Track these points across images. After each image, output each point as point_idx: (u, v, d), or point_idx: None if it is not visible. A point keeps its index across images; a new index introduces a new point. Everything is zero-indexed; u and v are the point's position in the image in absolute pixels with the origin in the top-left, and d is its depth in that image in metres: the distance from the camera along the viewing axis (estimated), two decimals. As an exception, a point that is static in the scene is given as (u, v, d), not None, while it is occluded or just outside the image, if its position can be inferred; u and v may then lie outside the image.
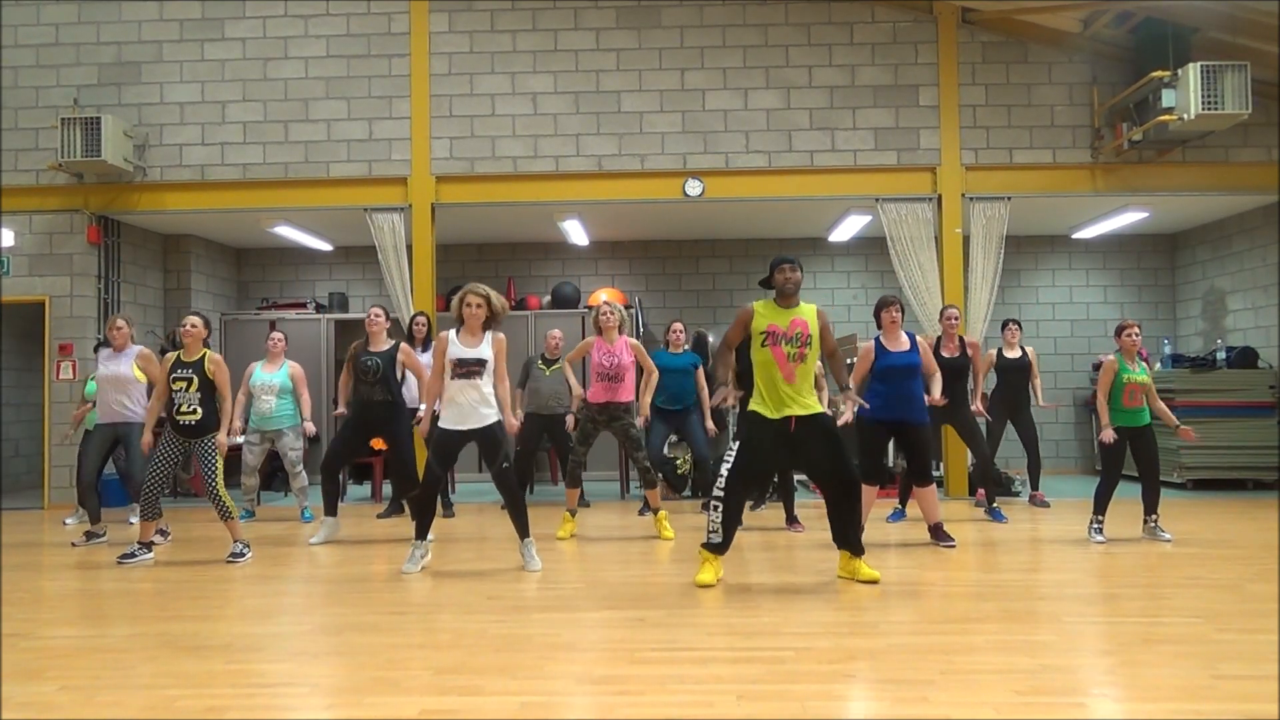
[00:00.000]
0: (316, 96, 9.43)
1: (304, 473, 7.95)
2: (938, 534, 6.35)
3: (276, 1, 9.47)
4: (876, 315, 6.43)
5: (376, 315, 6.89)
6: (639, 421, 7.19)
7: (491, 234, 11.26)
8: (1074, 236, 11.40)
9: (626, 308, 10.67)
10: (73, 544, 6.80)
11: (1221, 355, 9.72)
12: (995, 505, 7.61)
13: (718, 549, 5.11)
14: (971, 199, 9.24)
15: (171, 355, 6.12)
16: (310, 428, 7.74)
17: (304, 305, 11.20)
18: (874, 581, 5.09)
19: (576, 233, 10.80)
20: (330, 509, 6.72)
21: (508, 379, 5.72)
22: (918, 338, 6.45)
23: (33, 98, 9.49)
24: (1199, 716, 3.07)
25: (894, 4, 9.34)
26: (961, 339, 7.57)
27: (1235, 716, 3.07)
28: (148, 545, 6.09)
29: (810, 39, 9.37)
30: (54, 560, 6.23)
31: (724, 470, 5.07)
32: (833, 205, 9.71)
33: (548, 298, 11.21)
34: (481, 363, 5.47)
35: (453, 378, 5.48)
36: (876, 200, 9.27)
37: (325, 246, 11.47)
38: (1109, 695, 3.31)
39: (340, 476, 6.82)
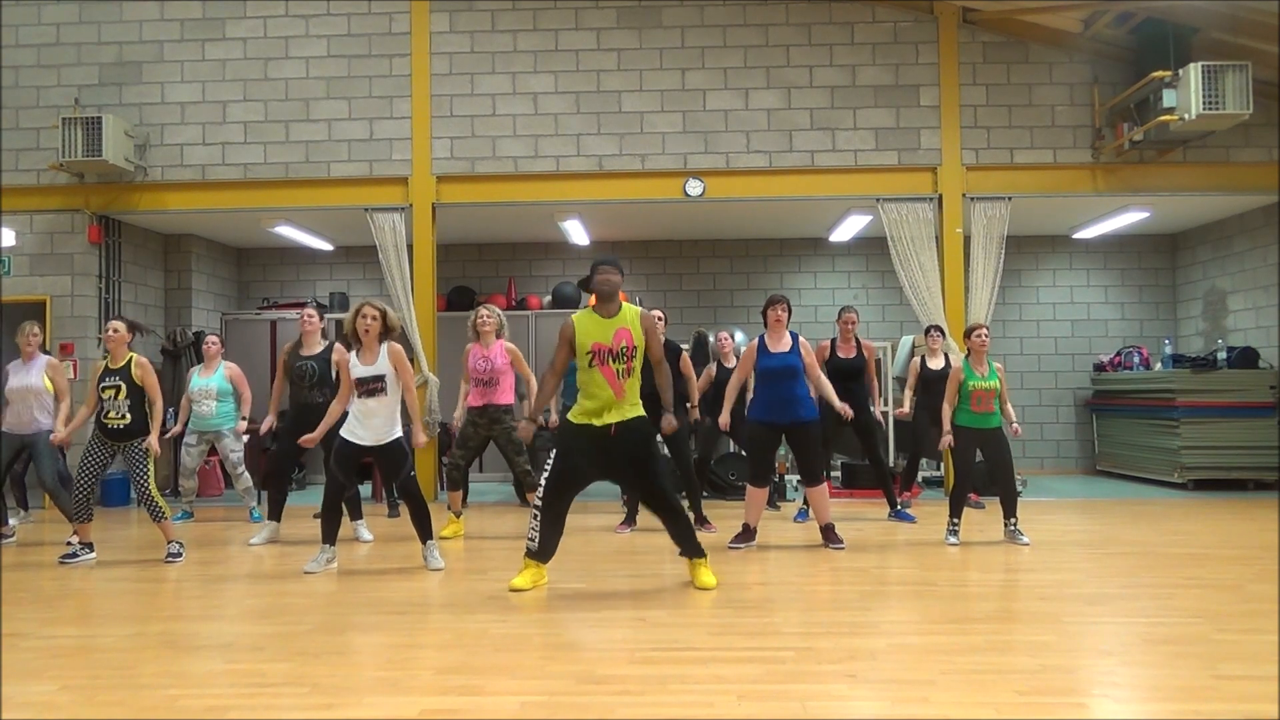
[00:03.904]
0: (317, 96, 9.43)
1: (246, 473, 7.94)
2: (828, 535, 6.31)
3: (277, 1, 9.47)
4: (763, 314, 6.36)
5: (310, 316, 6.91)
6: (553, 421, 7.37)
7: (492, 234, 11.26)
8: (1075, 236, 11.40)
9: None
10: None
11: (1222, 355, 9.72)
12: (900, 507, 7.60)
13: (537, 556, 5.04)
14: (972, 199, 9.24)
15: (99, 365, 6.13)
16: (243, 426, 7.76)
17: (305, 305, 11.19)
18: (708, 589, 5.00)
19: (577, 233, 10.80)
20: (274, 514, 6.73)
21: (414, 389, 5.78)
22: (800, 339, 6.33)
23: (33, 97, 9.49)
24: (1200, 717, 3.07)
25: (895, 4, 9.34)
26: (858, 340, 7.55)
27: (1236, 717, 3.07)
28: (88, 545, 6.15)
29: (811, 39, 9.37)
30: (54, 560, 6.22)
31: (542, 479, 5.00)
32: (833, 205, 9.70)
33: (548, 298, 11.21)
34: (380, 378, 5.51)
35: (358, 396, 5.53)
36: (877, 200, 9.27)
37: (326, 246, 11.47)
38: (1110, 695, 3.31)
39: (286, 484, 6.81)
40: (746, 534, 6.33)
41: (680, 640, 4.02)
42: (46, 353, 7.08)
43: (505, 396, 6.89)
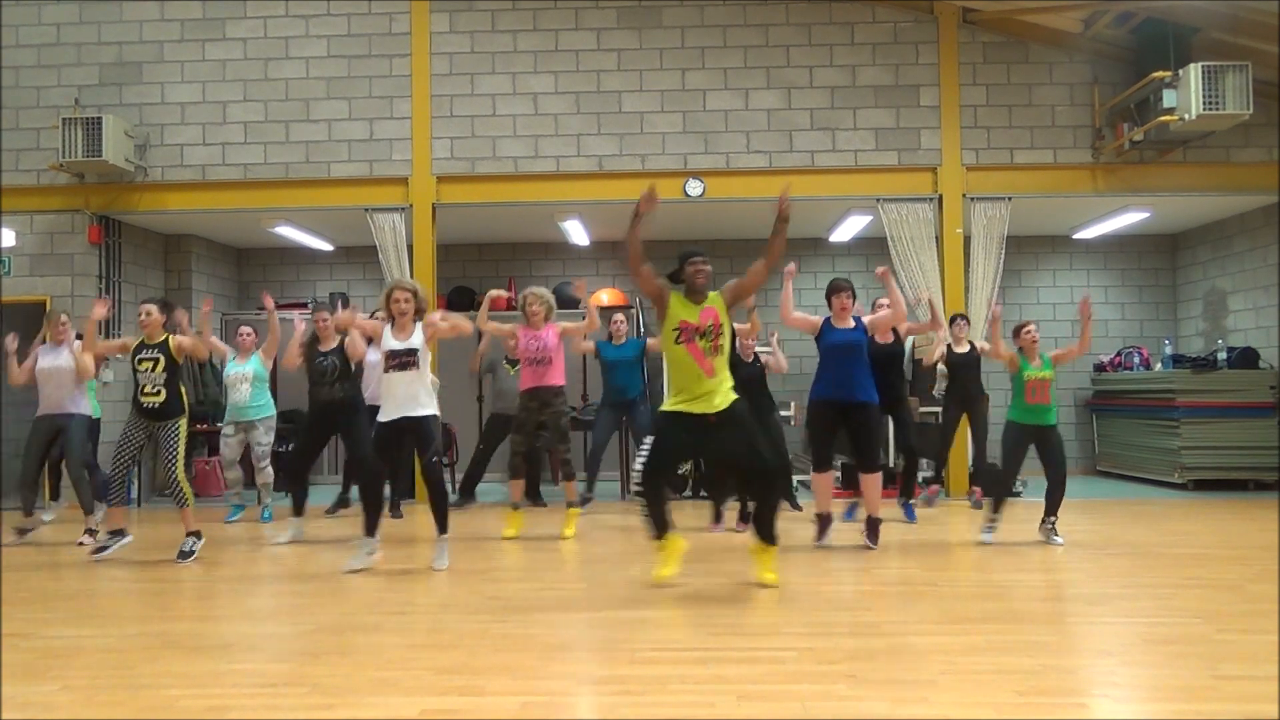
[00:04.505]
0: (317, 96, 9.43)
1: (270, 469, 7.93)
2: (871, 529, 6.23)
3: (277, 1, 9.47)
4: (828, 299, 6.33)
5: (324, 322, 6.95)
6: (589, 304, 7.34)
7: (492, 234, 11.26)
8: (1075, 237, 11.39)
9: (626, 308, 10.73)
10: (4, 543, 6.77)
11: (1222, 355, 9.71)
12: (910, 502, 7.55)
13: (662, 531, 5.03)
14: (972, 199, 9.24)
15: (133, 340, 6.18)
16: (269, 301, 7.61)
17: (305, 305, 11.19)
18: (770, 585, 4.97)
19: (577, 233, 10.80)
20: (298, 510, 6.79)
21: (461, 325, 5.90)
22: (863, 319, 6.36)
23: (34, 98, 9.48)
24: (1200, 717, 3.08)
25: (895, 4, 9.34)
26: (895, 330, 7.40)
27: (1236, 717, 3.07)
28: (120, 532, 6.11)
29: (811, 39, 9.36)
30: (54, 560, 6.22)
31: (637, 464, 5.05)
32: (833, 205, 9.70)
33: (548, 298, 11.20)
34: (413, 352, 5.54)
35: (386, 370, 5.57)
36: (877, 200, 9.27)
37: (326, 246, 11.47)
38: (1110, 696, 3.31)
39: (306, 480, 6.88)
40: (824, 524, 6.28)
41: (681, 640, 4.02)
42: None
43: (557, 378, 6.90)
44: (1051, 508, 6.39)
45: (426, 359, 5.64)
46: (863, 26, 9.35)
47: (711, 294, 5.09)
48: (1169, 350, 10.61)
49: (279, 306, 11.08)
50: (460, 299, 11.10)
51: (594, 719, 3.11)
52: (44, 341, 7.03)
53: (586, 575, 5.49)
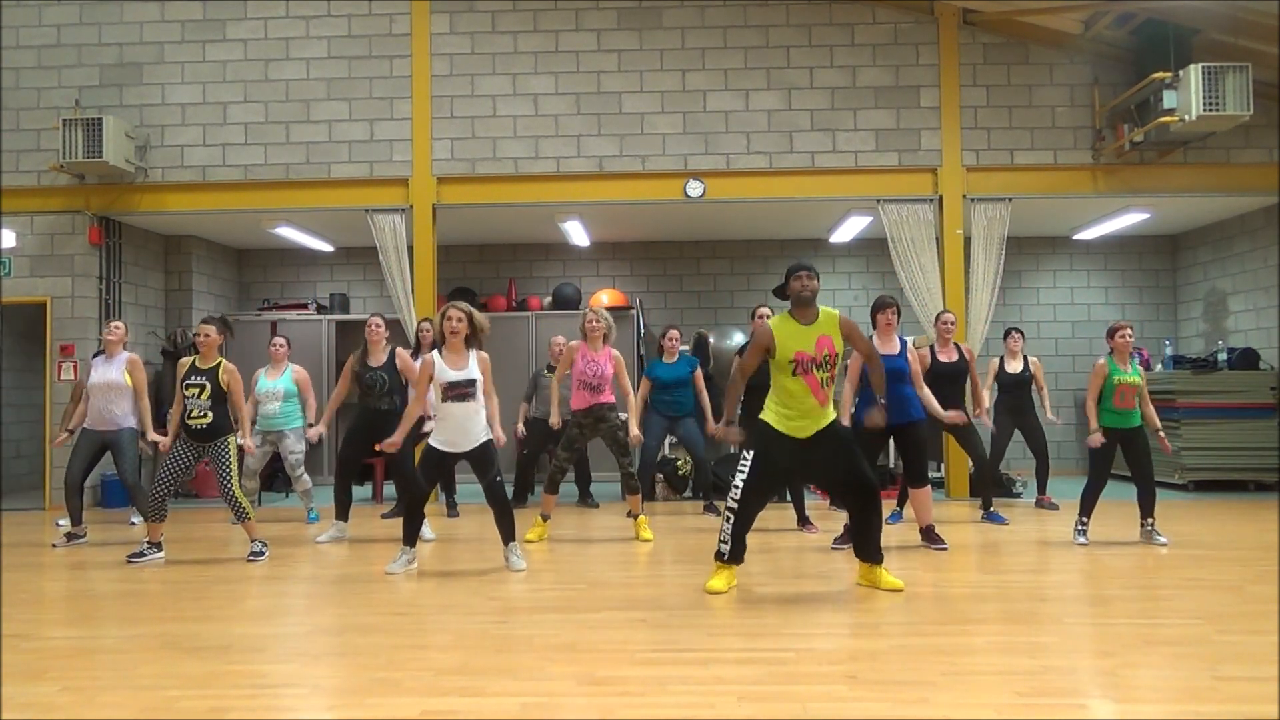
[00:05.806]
0: (318, 97, 9.44)
1: (306, 475, 7.98)
2: (929, 536, 6.33)
3: (278, 2, 9.48)
4: (873, 316, 6.45)
5: (377, 325, 6.92)
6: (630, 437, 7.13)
7: (492, 235, 11.26)
8: (1075, 238, 11.39)
9: (627, 308, 10.75)
10: (53, 545, 6.82)
11: (1223, 356, 9.72)
12: (993, 509, 7.60)
13: (730, 560, 4.97)
14: (972, 200, 9.24)
15: (186, 361, 6.18)
16: (314, 434, 7.75)
17: (305, 306, 11.20)
18: (897, 590, 4.91)
19: (577, 234, 10.81)
20: (342, 515, 6.82)
21: (496, 395, 5.76)
22: (909, 345, 6.46)
23: (34, 99, 9.49)
24: (1200, 718, 3.07)
25: (895, 5, 9.34)
26: (958, 345, 7.57)
27: (1236, 718, 3.07)
28: (157, 545, 6.14)
29: (811, 40, 9.37)
30: (54, 560, 6.23)
31: (737, 480, 4.91)
32: (834, 206, 9.70)
33: (549, 299, 11.21)
34: (472, 383, 5.50)
35: (444, 400, 5.49)
36: (877, 201, 9.27)
37: (326, 247, 11.47)
38: (1110, 697, 3.31)
39: (350, 485, 6.89)
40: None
41: (680, 641, 4.02)
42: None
43: (609, 398, 6.88)
44: (1147, 509, 6.37)
45: (481, 388, 5.54)
46: (863, 27, 9.35)
47: (827, 315, 4.89)
48: (1169, 351, 10.60)
49: (278, 307, 11.19)
50: (461, 300, 11.10)
51: (594, 719, 3.11)
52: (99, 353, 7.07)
53: (586, 576, 5.49)
